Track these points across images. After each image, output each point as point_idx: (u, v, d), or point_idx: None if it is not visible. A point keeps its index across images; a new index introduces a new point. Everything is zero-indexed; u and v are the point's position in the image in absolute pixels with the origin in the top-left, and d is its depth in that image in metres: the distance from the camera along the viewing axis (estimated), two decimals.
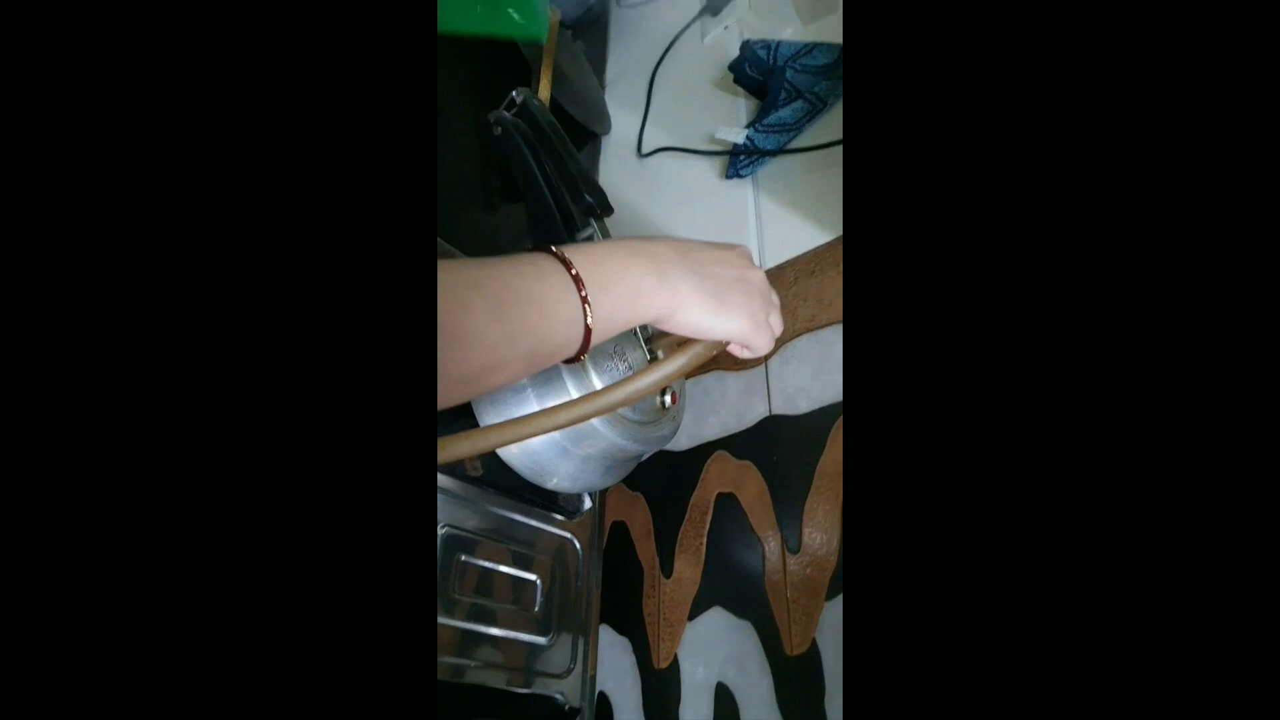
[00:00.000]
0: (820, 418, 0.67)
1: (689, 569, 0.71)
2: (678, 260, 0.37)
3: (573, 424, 0.35)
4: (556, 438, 0.58)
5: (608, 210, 0.59)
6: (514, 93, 0.59)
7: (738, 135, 0.85)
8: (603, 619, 0.74)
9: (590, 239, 0.61)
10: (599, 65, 1.16)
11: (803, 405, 0.69)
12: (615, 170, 1.04)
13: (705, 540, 0.71)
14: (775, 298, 0.42)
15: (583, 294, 0.33)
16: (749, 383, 0.75)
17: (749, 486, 0.70)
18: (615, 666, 0.72)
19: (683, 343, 0.39)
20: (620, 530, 0.78)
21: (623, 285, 0.34)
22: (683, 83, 1.04)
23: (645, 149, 1.00)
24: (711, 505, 0.72)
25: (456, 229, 0.79)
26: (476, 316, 0.29)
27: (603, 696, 0.72)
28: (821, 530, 0.63)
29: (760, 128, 0.82)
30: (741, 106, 0.93)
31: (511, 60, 0.93)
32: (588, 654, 0.68)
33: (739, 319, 0.38)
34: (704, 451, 0.74)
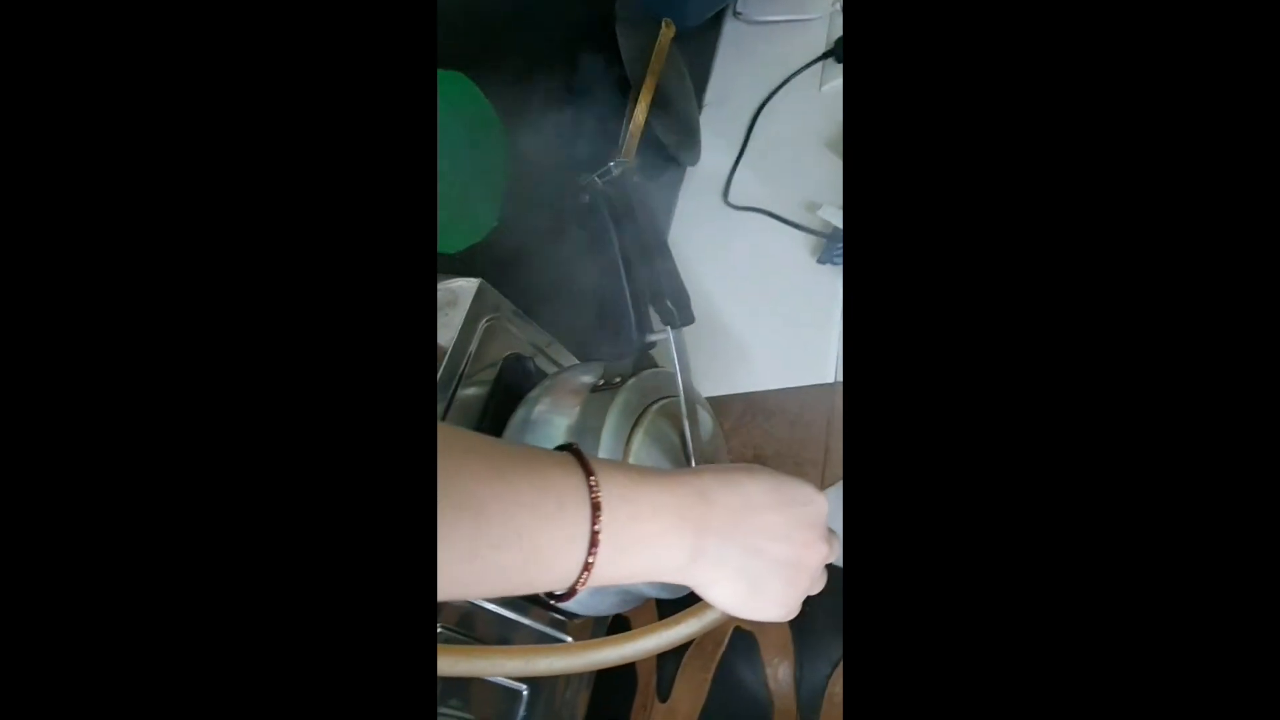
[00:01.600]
0: None
1: (687, 700, 0.65)
2: (726, 532, 0.31)
3: (550, 673, 0.33)
4: None
5: (688, 320, 0.51)
6: (612, 163, 0.51)
7: (840, 219, 0.75)
8: None
9: (653, 346, 0.54)
10: (700, 82, 1.05)
11: None
12: (695, 209, 0.95)
13: (712, 675, 0.64)
14: (836, 554, 0.36)
15: (590, 559, 0.27)
16: None
17: (772, 629, 0.63)
18: None
19: (700, 604, 0.35)
20: (622, 627, 0.72)
21: (643, 556, 0.29)
22: (789, 129, 0.94)
23: (735, 197, 0.91)
24: (727, 638, 0.65)
25: (528, 257, 0.71)
26: (447, 548, 0.23)
27: None
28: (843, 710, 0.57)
29: None
30: None
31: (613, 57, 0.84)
32: None
33: (765, 611, 0.33)
34: None
